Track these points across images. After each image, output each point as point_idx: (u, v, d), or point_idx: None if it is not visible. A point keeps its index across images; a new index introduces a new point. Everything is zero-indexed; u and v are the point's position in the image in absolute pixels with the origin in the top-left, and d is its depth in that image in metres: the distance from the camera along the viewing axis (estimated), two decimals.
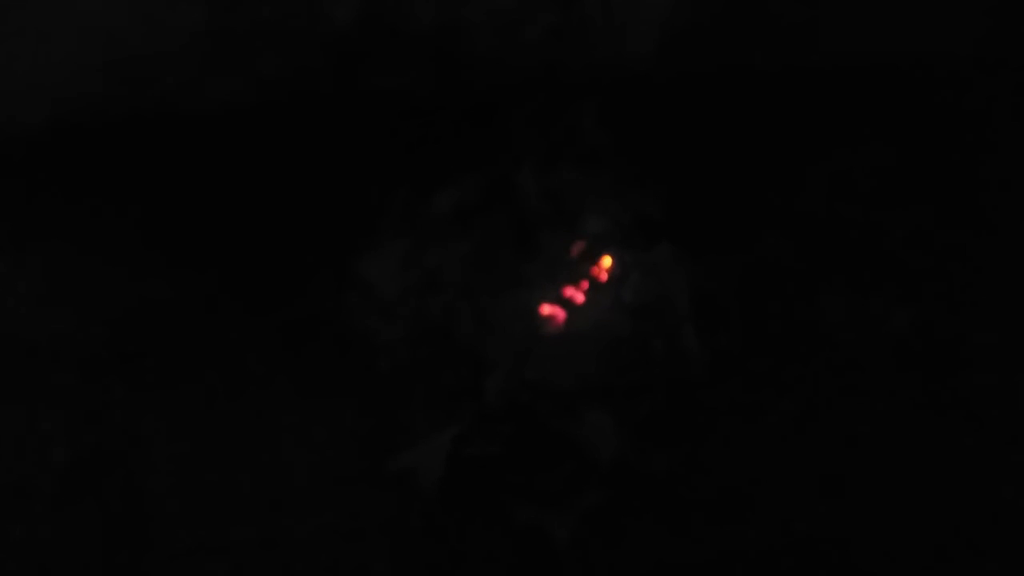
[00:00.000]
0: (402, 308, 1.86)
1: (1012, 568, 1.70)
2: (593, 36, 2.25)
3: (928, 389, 1.89)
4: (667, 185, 2.05)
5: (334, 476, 1.70)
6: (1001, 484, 1.77)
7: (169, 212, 2.08)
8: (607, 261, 1.84)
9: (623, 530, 1.66)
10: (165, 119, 2.20)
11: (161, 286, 1.96)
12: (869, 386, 1.89)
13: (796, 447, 1.79)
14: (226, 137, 2.20)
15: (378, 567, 1.61)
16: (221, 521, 1.65)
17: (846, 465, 1.78)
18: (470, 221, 1.95)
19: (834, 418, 1.84)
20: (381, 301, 1.88)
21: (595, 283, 1.84)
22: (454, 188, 1.98)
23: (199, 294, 1.95)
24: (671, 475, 1.71)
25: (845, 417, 1.84)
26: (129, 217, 2.07)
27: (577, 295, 1.81)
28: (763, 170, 2.22)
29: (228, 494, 1.68)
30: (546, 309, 1.80)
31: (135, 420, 1.76)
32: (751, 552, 1.67)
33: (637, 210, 1.97)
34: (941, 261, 2.13)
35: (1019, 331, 2.01)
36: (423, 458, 1.66)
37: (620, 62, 2.30)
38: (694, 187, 2.13)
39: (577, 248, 1.86)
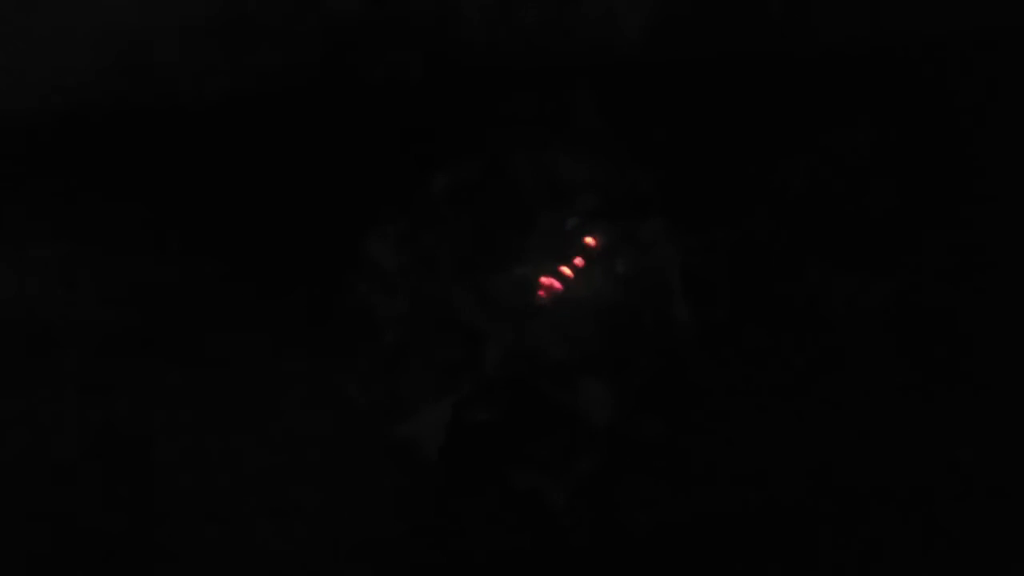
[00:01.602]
0: (403, 285, 1.92)
1: (995, 530, 1.75)
2: (586, 18, 2.31)
3: (913, 359, 1.95)
4: (658, 163, 2.10)
5: (341, 447, 1.77)
6: (985, 450, 1.82)
7: (175, 201, 2.14)
8: (600, 236, 1.90)
9: (617, 493, 1.72)
10: (166, 110, 2.26)
11: (169, 270, 2.02)
12: (855, 355, 1.94)
13: (784, 413, 1.85)
14: (227, 127, 2.25)
15: (384, 532, 1.68)
16: (230, 492, 1.71)
17: (832, 430, 1.83)
18: (467, 200, 2.01)
19: (821, 385, 1.89)
20: (384, 279, 1.94)
21: (588, 257, 1.90)
22: (452, 169, 2.04)
23: (207, 277, 2.01)
24: (663, 440, 1.78)
25: (831, 384, 1.90)
26: (136, 206, 2.13)
27: (571, 269, 1.87)
28: (752, 148, 2.27)
29: (237, 466, 1.74)
30: (543, 280, 1.86)
31: (146, 397, 1.82)
32: (742, 513, 1.73)
33: (629, 187, 2.03)
34: (926, 235, 2.18)
35: (1005, 303, 2.06)
36: (425, 427, 1.72)
37: (611, 46, 2.35)
38: (685, 165, 2.18)
39: (571, 224, 1.92)
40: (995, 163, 2.38)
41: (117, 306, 1.96)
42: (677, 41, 2.39)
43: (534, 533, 1.67)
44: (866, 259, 2.10)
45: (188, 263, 2.04)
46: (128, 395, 1.82)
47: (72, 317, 1.94)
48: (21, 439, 1.76)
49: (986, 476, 1.79)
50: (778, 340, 1.94)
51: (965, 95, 2.49)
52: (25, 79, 2.20)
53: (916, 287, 2.06)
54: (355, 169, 2.17)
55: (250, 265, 2.04)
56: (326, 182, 2.16)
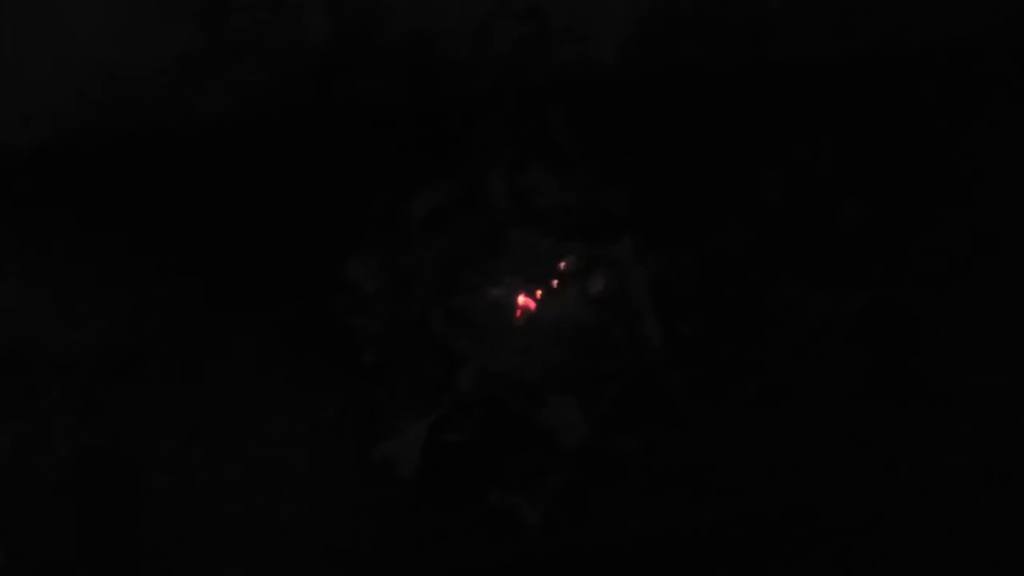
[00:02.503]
0: (383, 306, 1.97)
1: (963, 535, 1.80)
2: (558, 44, 2.35)
3: (884, 371, 1.98)
4: (631, 183, 2.13)
5: (322, 464, 1.81)
6: (953, 458, 1.87)
7: (159, 227, 2.18)
8: (572, 257, 1.94)
9: (591, 509, 1.76)
10: (153, 134, 2.29)
11: (158, 291, 2.06)
12: (826, 369, 1.98)
13: (757, 428, 1.88)
14: (213, 150, 2.29)
15: (363, 551, 1.72)
16: (215, 511, 1.75)
17: (805, 444, 1.87)
18: (444, 223, 2.05)
19: (793, 399, 1.93)
20: (364, 300, 1.98)
21: (561, 278, 1.93)
22: (430, 192, 2.07)
23: (194, 298, 2.05)
24: (636, 457, 1.81)
25: (803, 398, 1.93)
26: (122, 232, 2.17)
27: (544, 290, 1.91)
28: (724, 165, 2.31)
29: (221, 485, 1.78)
30: (517, 302, 1.90)
31: (133, 417, 1.86)
32: (714, 527, 1.77)
33: (601, 208, 2.07)
34: (896, 248, 2.22)
35: (972, 315, 2.10)
36: (402, 447, 1.76)
37: (584, 68, 2.39)
38: (657, 184, 2.22)
39: (544, 245, 1.96)
40: (967, 175, 2.41)
41: (103, 330, 2.00)
42: (647, 61, 2.43)
43: (511, 550, 1.71)
44: (839, 272, 2.13)
45: (172, 288, 2.08)
46: (113, 417, 1.87)
47: (58, 341, 1.98)
48: (7, 462, 1.80)
49: (960, 484, 1.83)
50: (751, 355, 1.98)
51: (936, 108, 2.53)
52: (11, 110, 2.24)
53: (889, 299, 2.10)
54: (333, 193, 2.21)
55: (232, 289, 2.08)
56: (305, 206, 2.20)
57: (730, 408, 1.91)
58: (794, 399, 1.93)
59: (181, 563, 1.70)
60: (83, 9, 2.16)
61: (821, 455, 1.86)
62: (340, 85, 2.31)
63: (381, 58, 2.30)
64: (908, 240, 2.24)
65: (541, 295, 1.91)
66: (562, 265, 1.92)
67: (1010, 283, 2.17)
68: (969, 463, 1.86)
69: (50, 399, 1.89)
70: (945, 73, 2.56)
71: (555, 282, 1.92)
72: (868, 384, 1.97)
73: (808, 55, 2.52)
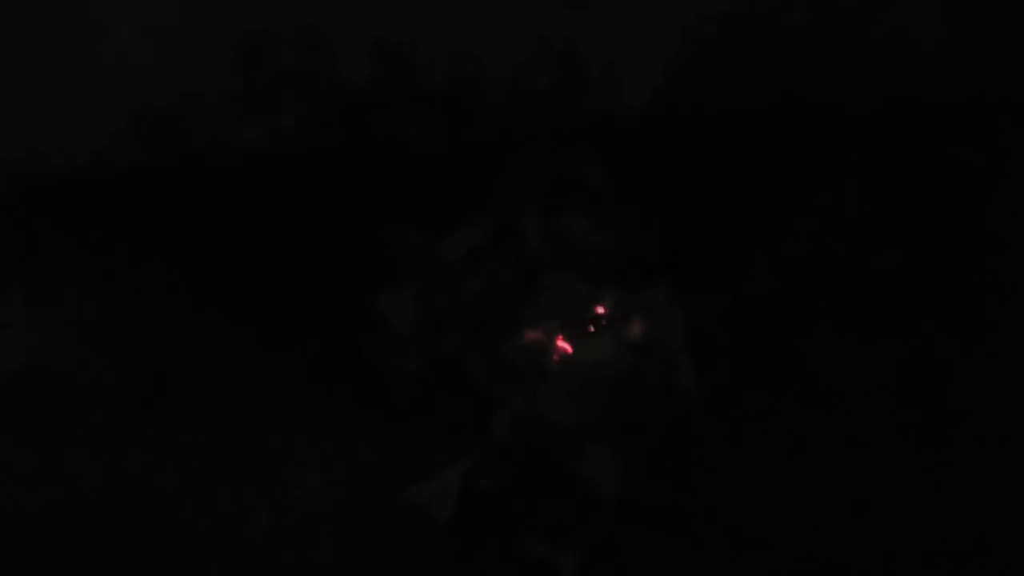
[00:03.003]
0: (415, 346, 1.96)
1: None
2: (593, 87, 2.36)
3: (916, 422, 1.96)
4: (664, 227, 2.14)
5: (352, 508, 1.79)
6: (990, 515, 1.84)
7: (195, 256, 2.19)
8: (608, 302, 1.93)
9: (626, 561, 1.73)
10: (190, 167, 2.30)
11: (188, 325, 2.06)
12: (859, 419, 1.96)
13: (790, 478, 1.86)
14: (249, 185, 2.30)
15: None
16: (243, 552, 1.73)
17: (839, 495, 1.84)
18: (479, 263, 2.04)
19: (826, 450, 1.91)
20: (396, 339, 1.97)
21: (596, 323, 1.93)
22: (464, 232, 2.07)
23: (224, 333, 2.05)
24: (672, 507, 1.79)
25: (836, 449, 1.91)
26: (157, 261, 2.17)
27: (580, 334, 1.90)
28: (755, 211, 2.30)
29: (250, 525, 1.76)
30: (552, 345, 1.89)
31: (162, 454, 1.85)
32: None
33: (636, 251, 2.07)
34: (928, 297, 2.20)
35: (1006, 363, 2.07)
36: (436, 491, 1.74)
37: (619, 111, 2.40)
38: (689, 228, 2.22)
39: (580, 289, 1.95)
40: (998, 225, 2.40)
41: (130, 363, 1.99)
42: (681, 105, 2.44)
43: None
44: (871, 322, 2.12)
45: (201, 321, 2.07)
46: (143, 451, 1.85)
47: (85, 374, 1.97)
48: (39, 494, 1.79)
49: (999, 544, 1.80)
50: (783, 404, 1.96)
51: (965, 158, 2.53)
52: (55, 136, 2.25)
53: (922, 350, 2.08)
54: (368, 230, 2.21)
55: (264, 324, 2.07)
56: (340, 243, 2.20)
57: (766, 458, 1.89)
58: (826, 452, 1.91)
59: None
60: (132, 44, 2.19)
61: (858, 509, 1.83)
62: (376, 124, 2.33)
63: (418, 99, 2.32)
64: (944, 289, 2.22)
65: (577, 340, 1.89)
66: (600, 310, 1.91)
67: None
68: (1008, 522, 1.83)
69: (77, 433, 1.88)
70: (977, 120, 2.56)
71: (591, 327, 1.91)
72: (903, 438, 1.94)
73: (842, 99, 2.53)
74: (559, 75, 2.33)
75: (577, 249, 2.05)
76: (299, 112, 2.30)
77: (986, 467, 1.90)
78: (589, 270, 2.01)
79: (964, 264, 2.28)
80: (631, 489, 1.78)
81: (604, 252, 2.05)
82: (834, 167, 2.41)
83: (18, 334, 2.05)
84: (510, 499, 1.76)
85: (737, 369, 1.98)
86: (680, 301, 1.96)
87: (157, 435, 1.88)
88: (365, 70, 2.27)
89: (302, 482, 1.83)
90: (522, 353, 1.88)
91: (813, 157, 2.43)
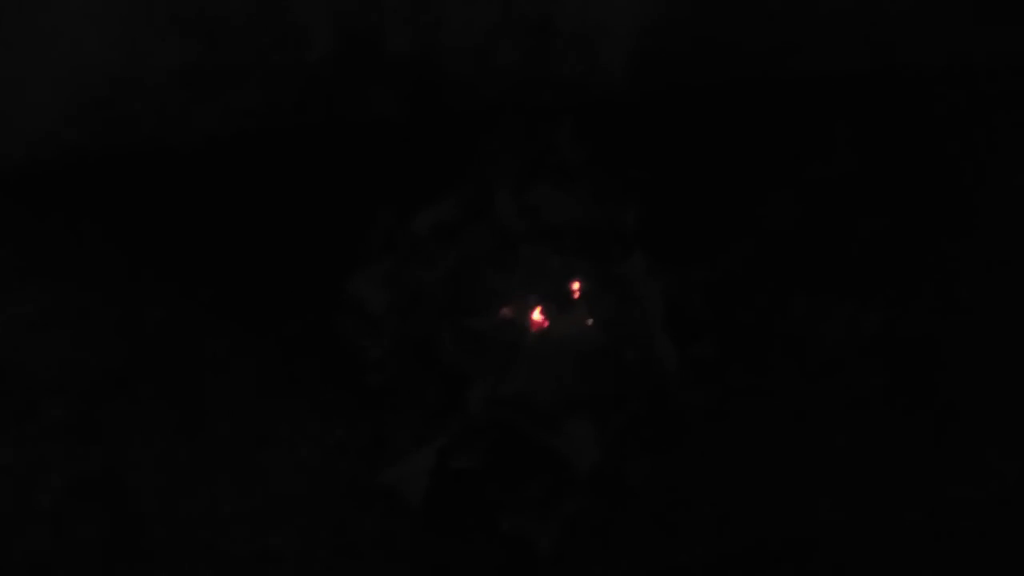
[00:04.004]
0: (388, 326, 1.91)
1: (981, 559, 1.75)
2: (566, 56, 2.31)
3: (898, 390, 1.95)
4: (640, 199, 2.10)
5: (324, 492, 1.75)
6: (972, 478, 1.83)
7: (161, 240, 2.14)
8: (582, 276, 1.89)
9: (605, 537, 1.71)
10: (153, 152, 2.25)
11: (154, 312, 2.02)
12: (842, 389, 1.94)
13: (772, 451, 1.84)
14: (212, 166, 2.25)
15: None
16: (214, 538, 1.69)
17: (822, 467, 1.83)
18: (452, 239, 2.00)
19: (808, 421, 1.89)
20: (368, 319, 1.93)
21: (571, 296, 1.89)
22: (434, 208, 2.03)
23: (191, 318, 2.01)
24: (649, 482, 1.76)
25: (819, 420, 1.89)
26: (122, 246, 2.12)
27: (554, 309, 1.86)
28: (734, 181, 2.28)
29: (221, 511, 1.72)
30: (529, 320, 1.85)
31: (129, 441, 1.81)
32: (730, 555, 1.71)
33: (611, 224, 2.03)
34: (908, 264, 2.19)
35: (985, 329, 2.07)
36: (409, 472, 1.71)
37: (591, 81, 2.36)
38: (667, 200, 2.19)
39: (554, 263, 1.91)
40: (978, 191, 2.39)
41: (96, 351, 1.95)
42: (656, 76, 2.40)
43: None
44: (851, 290, 2.10)
45: (169, 307, 2.03)
46: (110, 440, 1.81)
47: (50, 362, 1.93)
48: (5, 486, 1.74)
49: (981, 509, 1.79)
50: (764, 376, 1.94)
51: (946, 124, 2.51)
52: (8, 127, 2.20)
53: (903, 318, 2.06)
54: (338, 209, 2.16)
55: (232, 307, 2.03)
56: (309, 222, 2.16)
57: (745, 430, 1.86)
58: (809, 421, 1.89)
59: None
60: (78, 27, 2.13)
61: (838, 480, 1.81)
62: (342, 100, 2.28)
63: (384, 74, 2.27)
64: (924, 257, 2.20)
65: (553, 314, 1.85)
66: (575, 284, 1.87)
67: None
68: (993, 489, 1.82)
69: (40, 423, 1.83)
70: (965, 88, 2.54)
71: (562, 298, 1.87)
72: (886, 405, 1.92)
73: (822, 68, 2.50)
74: (529, 44, 2.28)
75: (551, 222, 2.00)
76: (261, 92, 2.25)
77: (971, 435, 1.88)
78: (564, 243, 1.96)
79: (946, 232, 2.26)
80: (608, 465, 1.75)
81: (579, 225, 2.01)
82: (815, 136, 2.39)
83: None
84: (486, 477, 1.72)
85: (718, 341, 1.95)
86: (657, 274, 1.92)
87: (126, 423, 1.83)
88: (327, 44, 2.21)
89: (275, 465, 1.79)
90: (497, 329, 1.84)
91: (794, 126, 2.41)
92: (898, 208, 2.30)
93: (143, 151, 2.24)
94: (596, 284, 1.88)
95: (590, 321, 1.84)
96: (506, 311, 1.86)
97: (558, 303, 1.86)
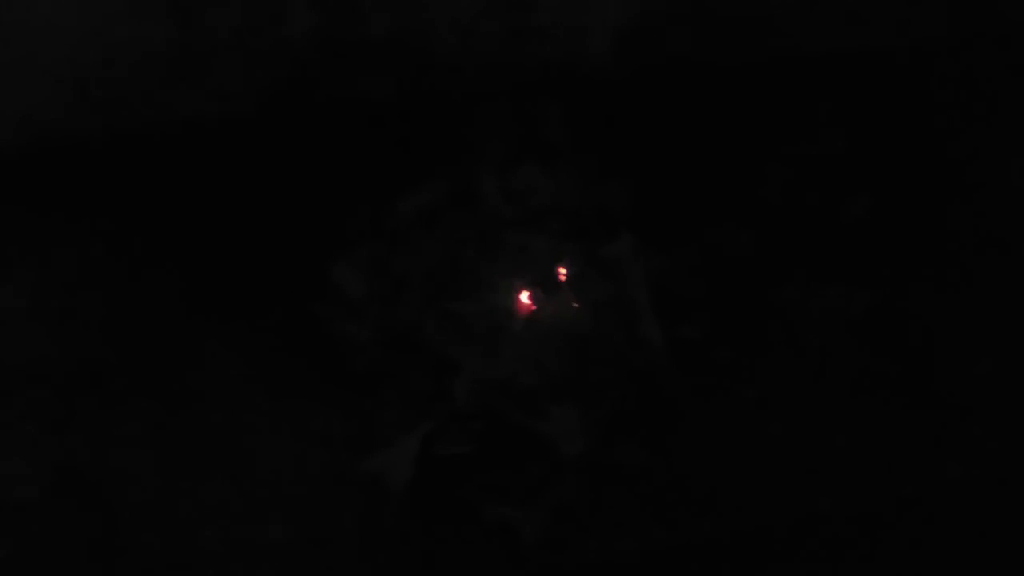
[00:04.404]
0: (371, 312, 1.89)
1: (970, 541, 1.74)
2: (550, 37, 2.29)
3: (888, 370, 1.93)
4: (628, 180, 2.08)
5: (306, 480, 1.73)
6: (960, 461, 1.81)
7: (139, 227, 2.10)
8: (569, 259, 1.87)
9: (592, 523, 1.69)
10: (127, 136, 2.22)
11: (132, 299, 1.99)
12: (831, 370, 1.92)
13: (762, 433, 1.82)
14: (189, 151, 2.21)
15: (350, 569, 1.64)
16: (193, 529, 1.67)
17: (813, 451, 1.81)
18: (435, 223, 1.98)
19: (799, 403, 1.87)
20: (352, 305, 1.91)
21: (558, 280, 1.87)
22: (419, 192, 2.01)
23: (171, 306, 1.98)
24: (639, 467, 1.74)
25: (810, 402, 1.87)
26: (98, 233, 2.09)
27: (541, 293, 1.84)
28: (722, 162, 2.26)
29: (201, 501, 1.70)
30: (514, 305, 1.83)
31: (108, 432, 1.78)
32: (722, 539, 1.70)
33: (598, 205, 2.01)
34: (898, 245, 2.17)
35: (975, 311, 2.05)
36: (393, 459, 1.69)
37: (578, 61, 2.33)
38: (655, 181, 2.16)
39: (540, 246, 1.89)
40: (971, 170, 2.37)
41: (73, 340, 1.92)
42: (643, 55, 2.38)
43: (506, 567, 1.63)
44: (844, 270, 2.08)
45: (148, 295, 2.00)
46: (85, 434, 1.78)
47: (25, 351, 1.89)
48: None
49: (972, 490, 1.78)
50: (754, 358, 1.92)
51: (937, 102, 2.49)
52: None
53: (895, 298, 2.04)
54: (320, 193, 2.13)
55: (214, 294, 2.00)
56: (291, 208, 2.12)
57: (735, 413, 1.84)
58: (800, 403, 1.87)
59: None
60: (50, 8, 2.08)
61: (829, 462, 1.80)
62: (322, 82, 2.25)
63: (365, 54, 2.24)
64: (916, 237, 2.19)
65: (539, 298, 1.83)
66: (560, 269, 1.85)
67: (1019, 283, 2.11)
68: (981, 471, 1.81)
69: (15, 414, 1.80)
70: (955, 66, 2.52)
71: (549, 281, 1.85)
72: (876, 386, 1.91)
73: (811, 46, 2.48)
74: (514, 23, 2.25)
75: (537, 205, 1.98)
76: (240, 74, 2.22)
77: (960, 415, 1.87)
78: (550, 226, 1.95)
79: (937, 212, 2.24)
80: (597, 450, 1.73)
81: (566, 207, 1.99)
82: (806, 115, 2.37)
83: None
84: (471, 466, 1.70)
85: (708, 323, 1.93)
86: (645, 255, 1.91)
87: (104, 415, 1.80)
88: (306, 23, 2.18)
89: (258, 455, 1.77)
90: (482, 314, 1.82)
91: (784, 105, 2.39)
92: (892, 187, 2.28)
93: (118, 138, 2.21)
94: (583, 267, 1.86)
95: (576, 304, 1.82)
96: (491, 295, 1.84)
97: (544, 287, 1.84)
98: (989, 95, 2.52)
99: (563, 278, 1.87)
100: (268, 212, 2.12)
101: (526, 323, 1.81)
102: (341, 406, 1.82)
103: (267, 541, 1.66)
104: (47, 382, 1.84)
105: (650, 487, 1.73)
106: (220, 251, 2.07)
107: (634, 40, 2.37)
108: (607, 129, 2.19)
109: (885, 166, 2.33)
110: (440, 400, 1.76)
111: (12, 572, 1.62)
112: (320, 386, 1.84)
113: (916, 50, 2.55)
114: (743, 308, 1.98)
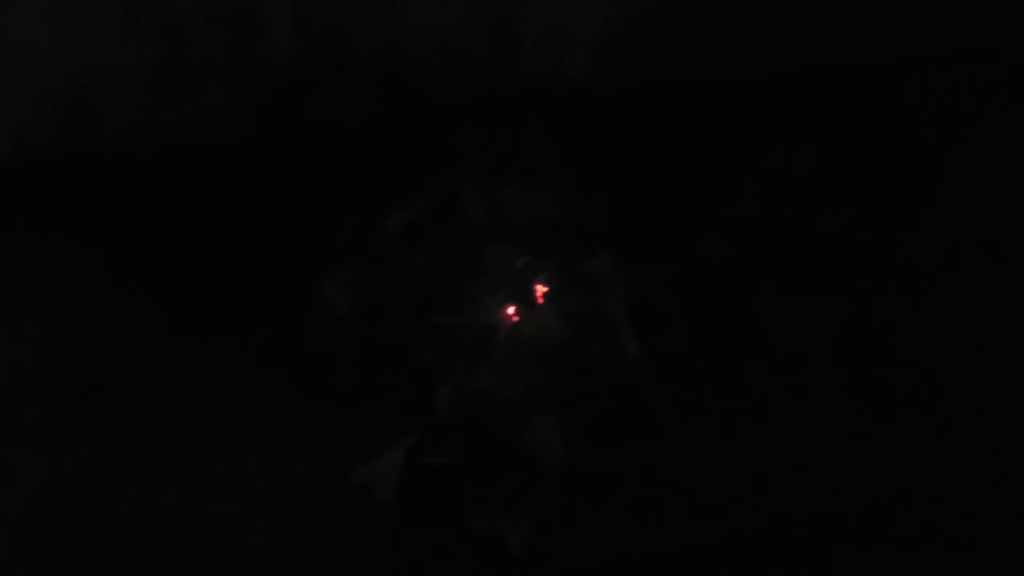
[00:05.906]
0: (357, 327, 1.92)
1: (942, 544, 1.78)
2: (530, 57, 2.32)
3: (862, 380, 1.97)
4: (607, 195, 2.11)
5: (296, 493, 1.75)
6: (933, 467, 1.84)
7: (127, 244, 2.13)
8: (549, 274, 1.91)
9: (575, 531, 1.72)
10: (115, 153, 2.23)
11: (121, 316, 2.00)
12: (807, 380, 1.96)
13: (739, 443, 1.85)
14: (177, 169, 2.24)
15: None
16: (186, 543, 1.69)
17: (789, 457, 1.84)
18: (419, 240, 2.01)
19: (774, 413, 1.90)
20: (338, 321, 1.93)
21: (538, 294, 1.90)
22: (403, 209, 2.04)
23: (160, 322, 2.00)
24: (619, 475, 1.77)
25: (786, 410, 1.91)
26: (88, 250, 2.11)
27: (522, 307, 1.88)
28: (699, 175, 2.29)
29: (191, 514, 1.72)
30: (498, 318, 1.87)
31: (99, 448, 1.80)
32: (701, 545, 1.73)
33: (578, 221, 2.04)
34: (872, 256, 2.21)
35: (950, 322, 2.09)
36: (380, 471, 1.71)
37: (558, 79, 2.37)
38: (634, 195, 2.20)
39: (521, 262, 1.92)
40: (940, 184, 2.41)
41: (63, 357, 1.94)
42: (622, 72, 2.41)
43: (494, 574, 1.66)
44: (817, 282, 2.12)
45: (136, 312, 2.02)
46: (80, 446, 1.80)
47: (16, 369, 1.91)
48: None
49: (948, 495, 1.81)
50: (733, 367, 1.95)
51: (909, 117, 2.53)
52: None
53: (871, 308, 2.08)
54: (305, 211, 2.16)
55: (202, 310, 2.02)
56: (276, 224, 2.15)
57: (713, 422, 1.87)
58: (776, 411, 1.91)
59: None
60: (36, 27, 2.11)
61: (805, 468, 1.83)
62: (307, 102, 2.27)
63: (348, 75, 2.27)
64: (889, 248, 2.22)
65: (520, 312, 1.87)
66: (539, 285, 1.88)
67: (991, 291, 2.16)
68: (954, 475, 1.84)
69: (7, 430, 1.81)
70: (930, 81, 2.55)
71: (529, 296, 1.88)
72: (851, 395, 1.94)
73: (785, 62, 2.51)
74: (496, 43, 2.29)
75: (518, 221, 2.02)
76: (226, 94, 2.24)
77: (933, 422, 1.90)
78: (531, 242, 1.98)
79: (910, 224, 2.28)
80: (577, 460, 1.76)
81: (546, 223, 2.02)
82: (780, 130, 2.40)
83: None
84: (456, 476, 1.73)
85: (686, 335, 1.96)
86: (623, 269, 1.94)
87: (94, 429, 1.82)
88: (291, 44, 2.21)
89: (247, 468, 1.79)
90: (465, 328, 1.85)
91: (758, 120, 2.42)
92: (866, 199, 2.32)
93: (104, 154, 2.22)
94: (563, 281, 1.89)
95: (557, 318, 1.85)
96: (473, 310, 1.87)
97: (526, 301, 1.87)
98: (963, 109, 2.56)
99: (544, 292, 1.90)
100: (255, 229, 2.15)
101: (508, 336, 1.84)
102: (328, 419, 1.84)
103: (258, 551, 1.68)
104: (39, 398, 1.86)
105: (630, 496, 1.76)
106: (208, 268, 2.10)
107: (612, 58, 2.41)
108: (586, 145, 2.23)
109: (859, 177, 2.36)
110: (424, 412, 1.79)
111: None
112: (307, 399, 1.87)
113: (890, 65, 2.59)
114: (720, 319, 2.02)
